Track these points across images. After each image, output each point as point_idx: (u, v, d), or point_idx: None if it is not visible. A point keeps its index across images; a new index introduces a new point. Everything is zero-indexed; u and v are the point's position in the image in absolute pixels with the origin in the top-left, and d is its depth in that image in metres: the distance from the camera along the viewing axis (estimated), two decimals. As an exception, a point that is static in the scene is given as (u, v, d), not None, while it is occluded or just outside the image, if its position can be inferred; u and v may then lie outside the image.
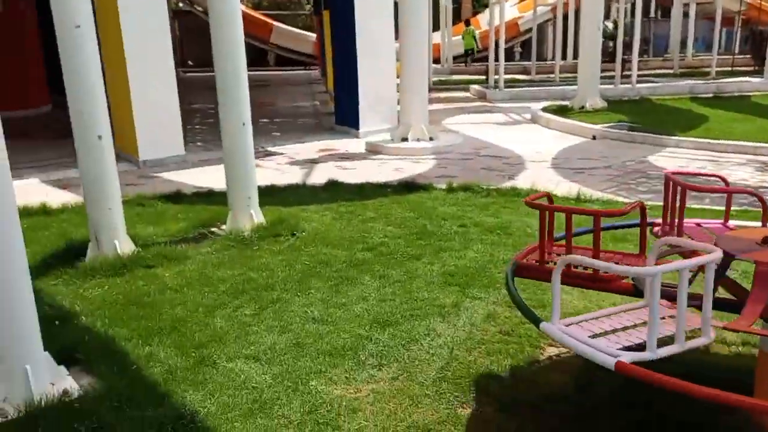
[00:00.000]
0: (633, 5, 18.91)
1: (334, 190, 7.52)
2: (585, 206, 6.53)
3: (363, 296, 4.48)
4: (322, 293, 4.56)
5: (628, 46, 17.26)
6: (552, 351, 3.67)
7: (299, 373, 3.47)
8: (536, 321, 2.70)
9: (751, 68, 20.31)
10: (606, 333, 2.65)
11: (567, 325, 2.63)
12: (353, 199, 7.04)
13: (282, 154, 9.99)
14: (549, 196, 3.47)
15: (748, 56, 21.84)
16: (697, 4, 21.30)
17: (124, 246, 5.25)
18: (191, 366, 3.57)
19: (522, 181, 7.71)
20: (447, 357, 3.61)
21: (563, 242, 3.16)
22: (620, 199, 6.90)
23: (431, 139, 10.19)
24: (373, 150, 10.08)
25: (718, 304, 2.78)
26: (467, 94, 17.69)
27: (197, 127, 12.60)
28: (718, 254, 2.46)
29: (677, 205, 3.21)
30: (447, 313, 4.17)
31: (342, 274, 4.91)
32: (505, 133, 11.55)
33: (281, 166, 9.18)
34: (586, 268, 2.99)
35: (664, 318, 2.69)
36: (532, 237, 5.61)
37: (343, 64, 11.41)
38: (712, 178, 4.19)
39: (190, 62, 25.40)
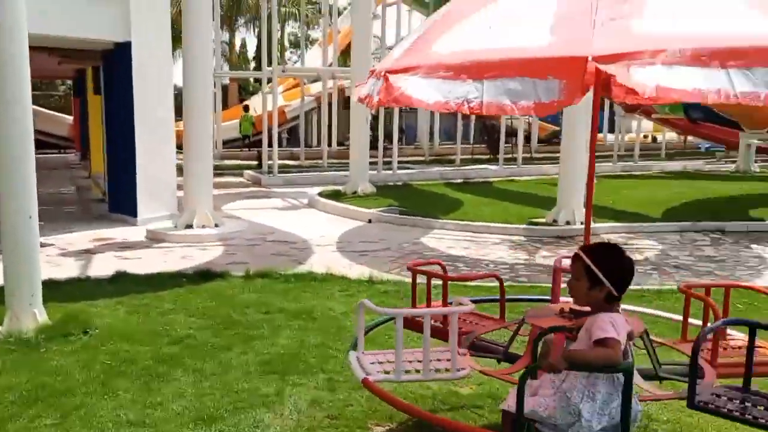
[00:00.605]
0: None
1: (122, 282, 7.14)
2: (377, 287, 7.05)
3: (179, 393, 4.35)
4: (132, 393, 4.33)
5: (387, 136, 18.98)
6: (379, 429, 3.91)
7: (131, 483, 3.28)
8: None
9: (487, 157, 23.36)
10: (390, 362, 3.41)
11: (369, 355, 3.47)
12: (146, 290, 6.75)
13: (51, 245, 9.20)
14: (442, 265, 4.34)
15: (484, 146, 25.12)
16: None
17: None
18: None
19: (313, 265, 8.01)
20: (282, 446, 3.67)
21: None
22: (407, 279, 7.51)
23: (216, 225, 10.15)
24: (154, 238, 9.74)
25: (512, 358, 3.57)
26: (241, 179, 17.88)
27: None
28: (462, 308, 3.38)
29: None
30: (271, 403, 4.22)
31: (150, 371, 4.70)
32: (286, 218, 11.90)
33: (53, 258, 8.45)
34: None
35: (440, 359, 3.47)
36: (336, 320, 5.93)
37: (118, 149, 10.98)
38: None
39: None
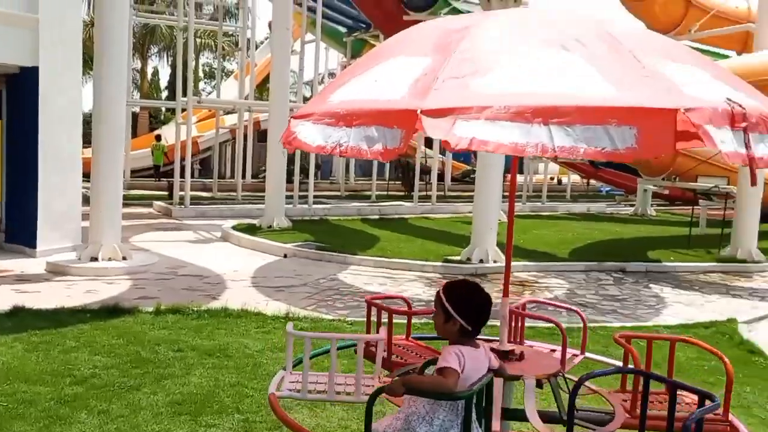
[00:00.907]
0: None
1: (20, 317, 6.68)
2: (295, 324, 6.91)
3: (83, 437, 4.09)
4: (31, 439, 4.04)
5: (303, 170, 18.91)
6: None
7: None
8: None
9: (403, 193, 23.71)
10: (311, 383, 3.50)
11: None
12: (47, 326, 6.35)
13: (-62, 276, 8.54)
14: (407, 301, 4.56)
15: (399, 183, 25.49)
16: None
17: None
18: None
19: (228, 301, 7.76)
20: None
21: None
22: (324, 316, 7.45)
23: (125, 258, 9.73)
24: (56, 271, 9.22)
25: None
26: (151, 210, 17.28)
27: None
28: (379, 336, 3.55)
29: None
30: (184, 446, 4.04)
31: (51, 413, 4.41)
32: (199, 252, 11.57)
33: (-59, 291, 7.84)
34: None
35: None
36: (252, 358, 5.78)
37: (19, 176, 10.39)
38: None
39: None
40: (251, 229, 13.57)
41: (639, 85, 2.36)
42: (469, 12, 20.12)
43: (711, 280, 11.21)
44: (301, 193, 17.67)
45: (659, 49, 2.71)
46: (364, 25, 23.22)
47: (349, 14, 22.88)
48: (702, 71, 2.61)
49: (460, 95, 2.38)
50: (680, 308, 8.98)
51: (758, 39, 12.71)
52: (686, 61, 2.69)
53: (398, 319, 4.25)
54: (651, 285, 10.44)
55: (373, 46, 25.09)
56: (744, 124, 2.26)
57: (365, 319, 4.27)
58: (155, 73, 42.86)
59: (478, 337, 2.93)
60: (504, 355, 3.39)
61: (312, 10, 19.34)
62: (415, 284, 9.73)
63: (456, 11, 19.66)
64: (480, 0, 12.17)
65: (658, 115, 2.20)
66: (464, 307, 2.78)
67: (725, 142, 2.21)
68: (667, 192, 22.23)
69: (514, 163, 3.60)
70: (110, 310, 6.98)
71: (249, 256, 11.46)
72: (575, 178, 28.83)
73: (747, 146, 2.25)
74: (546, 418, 3.28)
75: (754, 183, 2.43)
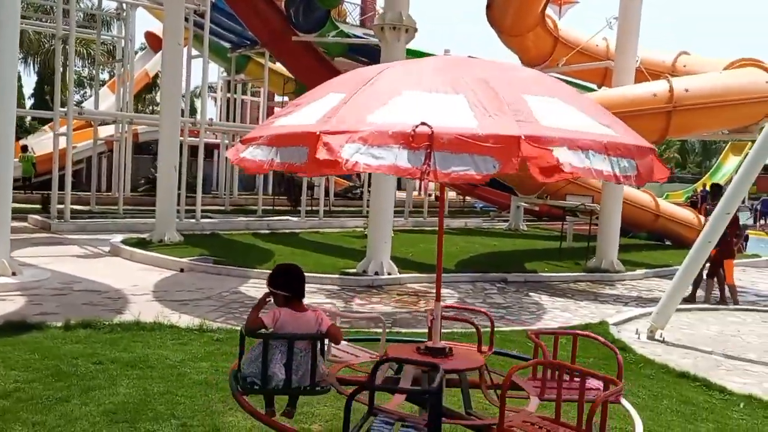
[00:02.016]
0: (192, 147, 20.65)
1: None
2: (209, 335, 7.07)
3: (22, 449, 4.13)
4: (-36, 454, 4.03)
5: (189, 185, 18.68)
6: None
7: None
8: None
9: (288, 208, 23.87)
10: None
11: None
12: (-52, 344, 6.11)
13: None
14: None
15: (284, 198, 25.62)
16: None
17: None
18: None
19: (135, 315, 7.72)
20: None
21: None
22: (236, 327, 7.60)
23: (14, 274, 9.33)
24: (-63, 287, 8.71)
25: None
26: (26, 224, 16.36)
27: None
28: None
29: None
30: (130, 450, 4.18)
31: (-20, 428, 4.38)
32: (90, 267, 11.25)
33: None
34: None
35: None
36: (175, 368, 5.91)
37: None
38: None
39: None
40: (142, 244, 13.31)
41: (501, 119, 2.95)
42: (356, 36, 20.87)
43: (581, 288, 12.42)
44: (187, 208, 17.46)
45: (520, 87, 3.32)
46: (248, 42, 23.31)
47: (234, 30, 22.88)
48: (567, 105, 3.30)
49: (354, 121, 2.97)
50: (557, 313, 9.96)
51: (615, 75, 14.29)
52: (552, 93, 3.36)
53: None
54: (530, 293, 11.43)
55: (258, 62, 25.22)
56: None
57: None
58: (18, 79, 40.11)
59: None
60: (437, 352, 3.87)
61: (198, 25, 19.23)
62: (316, 296, 10.07)
63: (343, 34, 20.33)
64: (374, 29, 12.82)
65: (509, 142, 2.79)
66: (277, 283, 3.73)
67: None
68: (536, 208, 23.99)
69: (442, 186, 4.09)
70: (16, 326, 6.79)
71: (144, 270, 11.30)
72: (452, 194, 30.26)
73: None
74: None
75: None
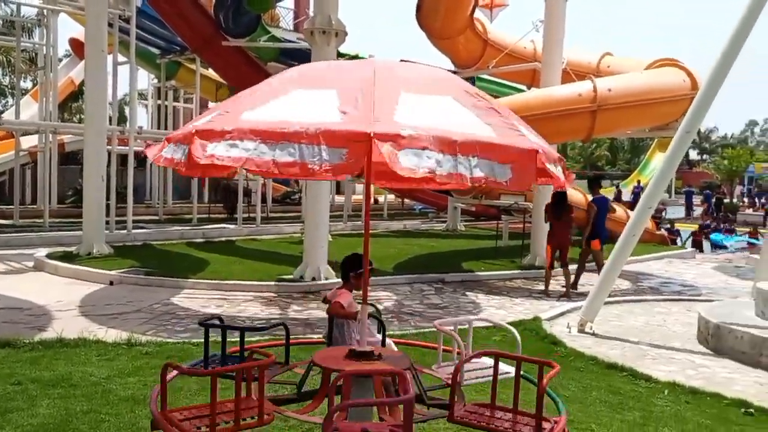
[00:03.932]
0: (122, 156, 20.07)
1: None
2: (138, 349, 6.86)
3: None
4: None
5: (120, 195, 18.13)
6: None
7: None
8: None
9: (225, 216, 23.46)
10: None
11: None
12: None
13: None
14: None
15: (221, 205, 25.17)
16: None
17: None
18: None
19: (60, 331, 7.41)
20: None
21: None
22: (167, 340, 7.42)
23: (-73, 293, 8.84)
24: None
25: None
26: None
27: None
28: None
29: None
30: (48, 474, 4.00)
31: None
32: (12, 283, 10.76)
33: None
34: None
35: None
36: (100, 385, 5.71)
37: None
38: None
39: None
40: (69, 257, 12.82)
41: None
42: (288, 40, 20.71)
43: (516, 285, 12.65)
44: (118, 218, 16.94)
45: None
46: (178, 47, 22.83)
47: (162, 36, 22.37)
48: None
49: (227, 122, 3.07)
50: (493, 311, 10.11)
51: (543, 76, 14.64)
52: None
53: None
54: (467, 293, 11.56)
55: (189, 68, 24.72)
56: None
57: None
58: None
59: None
60: (365, 356, 3.85)
61: (124, 31, 18.71)
62: (252, 304, 9.93)
63: (274, 39, 20.14)
64: (304, 33, 12.74)
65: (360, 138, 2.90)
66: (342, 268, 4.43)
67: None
68: (474, 209, 24.32)
69: (367, 186, 4.10)
70: (-73, 348, 6.42)
71: (70, 285, 10.88)
72: (390, 197, 30.39)
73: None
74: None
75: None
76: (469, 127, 3.11)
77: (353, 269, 4.37)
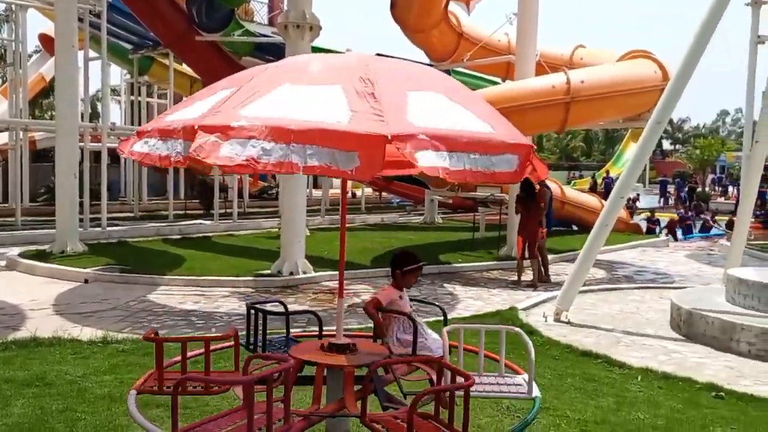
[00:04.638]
0: (96, 153, 19.81)
1: None
2: (114, 347, 6.82)
3: None
4: None
5: (94, 192, 17.92)
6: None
7: None
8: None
9: (202, 212, 23.29)
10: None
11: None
12: None
13: None
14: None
15: (197, 201, 24.98)
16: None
17: None
18: None
19: (34, 330, 7.33)
20: None
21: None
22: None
23: None
24: None
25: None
26: None
27: None
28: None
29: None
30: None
31: None
32: (-16, 283, 10.61)
33: None
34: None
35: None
36: (76, 383, 5.67)
37: None
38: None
39: None
40: (42, 256, 12.67)
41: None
42: (263, 35, 20.57)
43: (493, 276, 12.75)
44: (93, 216, 16.76)
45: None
46: (151, 42, 22.56)
47: (134, 31, 22.10)
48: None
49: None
50: (471, 302, 10.19)
51: (517, 68, 14.74)
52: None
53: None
54: (445, 284, 11.64)
55: (163, 63, 24.46)
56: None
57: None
58: None
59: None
60: (340, 348, 3.87)
61: (95, 26, 18.45)
62: (229, 300, 9.89)
63: (249, 33, 19.99)
64: (278, 28, 12.68)
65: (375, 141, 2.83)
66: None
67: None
68: (450, 201, 24.41)
69: (344, 180, 4.11)
70: None
71: (45, 284, 10.76)
72: (368, 191, 30.40)
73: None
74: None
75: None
76: (472, 124, 3.13)
77: (400, 266, 4.24)
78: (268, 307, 4.29)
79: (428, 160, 2.82)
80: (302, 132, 2.80)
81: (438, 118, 3.03)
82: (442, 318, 4.69)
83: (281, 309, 4.50)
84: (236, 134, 2.80)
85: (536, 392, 3.86)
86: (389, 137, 2.77)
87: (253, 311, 4.19)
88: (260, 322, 4.10)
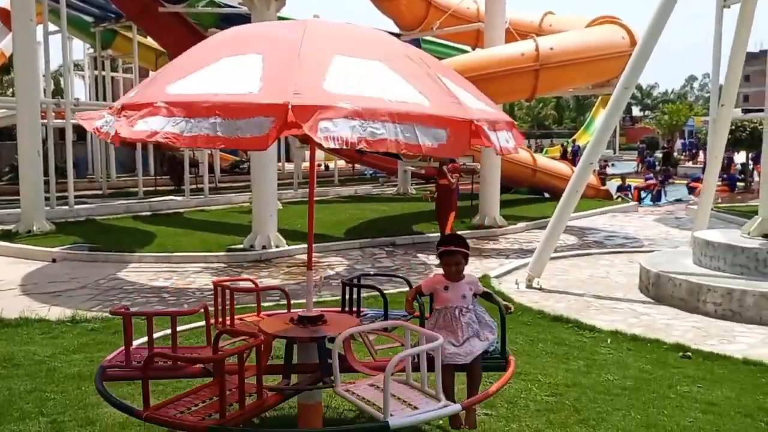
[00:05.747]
0: (61, 130, 19.38)
1: None
2: (83, 326, 6.73)
3: None
4: None
5: (60, 170, 17.55)
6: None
7: None
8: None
9: (172, 188, 22.99)
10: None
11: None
12: None
13: None
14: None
15: (167, 177, 24.63)
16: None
17: None
18: None
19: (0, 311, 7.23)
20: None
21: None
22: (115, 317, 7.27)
23: None
24: None
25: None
26: None
27: None
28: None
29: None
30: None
31: None
32: (-52, 265, 10.38)
33: None
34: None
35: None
36: (44, 363, 5.59)
37: None
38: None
39: None
40: (7, 236, 12.42)
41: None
42: (227, 5, 20.13)
43: (465, 245, 12.79)
44: (60, 194, 16.43)
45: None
46: (113, 15, 21.97)
47: (95, 3, 21.50)
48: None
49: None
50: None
51: (486, 36, 14.65)
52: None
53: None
54: (418, 254, 11.68)
55: (126, 36, 23.88)
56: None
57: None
58: None
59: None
60: (311, 320, 3.84)
61: (54, -2, 17.90)
62: (201, 275, 9.82)
63: (213, 4, 19.57)
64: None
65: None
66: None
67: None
68: (423, 171, 24.35)
69: (312, 152, 4.05)
70: None
71: (11, 264, 10.56)
72: (341, 163, 30.25)
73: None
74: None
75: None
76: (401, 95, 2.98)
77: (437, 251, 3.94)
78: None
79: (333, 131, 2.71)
80: (212, 107, 2.75)
81: (360, 86, 2.91)
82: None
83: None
84: (156, 112, 2.80)
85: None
86: (290, 106, 2.66)
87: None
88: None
